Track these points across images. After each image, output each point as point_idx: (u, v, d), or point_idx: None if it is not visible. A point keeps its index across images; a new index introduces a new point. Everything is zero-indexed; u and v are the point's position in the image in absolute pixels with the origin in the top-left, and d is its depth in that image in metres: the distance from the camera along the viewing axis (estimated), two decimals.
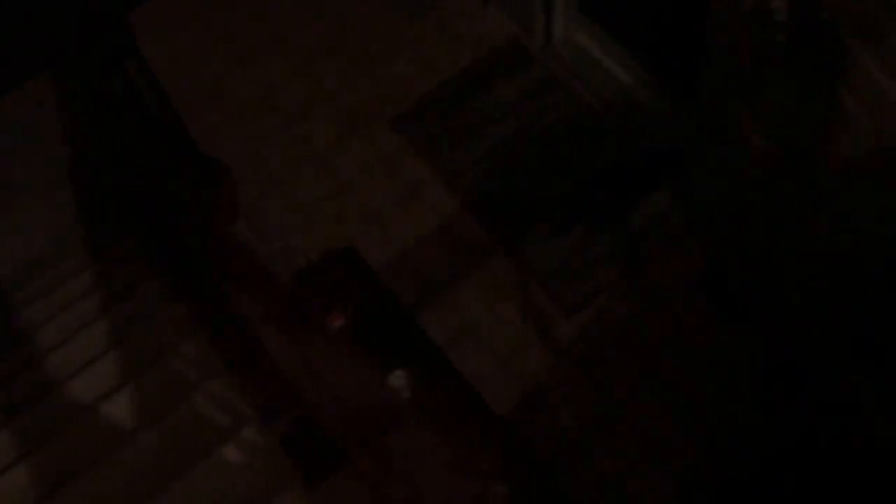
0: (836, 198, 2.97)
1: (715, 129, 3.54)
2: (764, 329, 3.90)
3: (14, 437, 3.27)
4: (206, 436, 2.89)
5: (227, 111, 4.70)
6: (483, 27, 4.83)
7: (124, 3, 4.44)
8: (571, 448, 3.85)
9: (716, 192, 3.82)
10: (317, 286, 4.16)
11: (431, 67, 4.75)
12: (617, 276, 4.18)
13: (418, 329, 4.08)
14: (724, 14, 3.14)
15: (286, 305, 1.82)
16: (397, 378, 3.84)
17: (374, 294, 4.17)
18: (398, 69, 4.77)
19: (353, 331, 3.91)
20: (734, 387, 3.89)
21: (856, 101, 2.65)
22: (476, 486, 1.55)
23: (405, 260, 4.29)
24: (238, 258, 2.01)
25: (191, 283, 3.15)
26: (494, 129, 4.55)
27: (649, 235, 4.25)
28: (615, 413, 3.92)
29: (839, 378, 3.67)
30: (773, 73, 2.99)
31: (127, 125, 3.75)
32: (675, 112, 4.20)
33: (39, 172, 4.32)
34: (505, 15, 4.79)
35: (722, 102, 3.39)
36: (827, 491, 3.62)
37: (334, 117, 4.66)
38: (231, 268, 1.97)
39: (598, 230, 4.26)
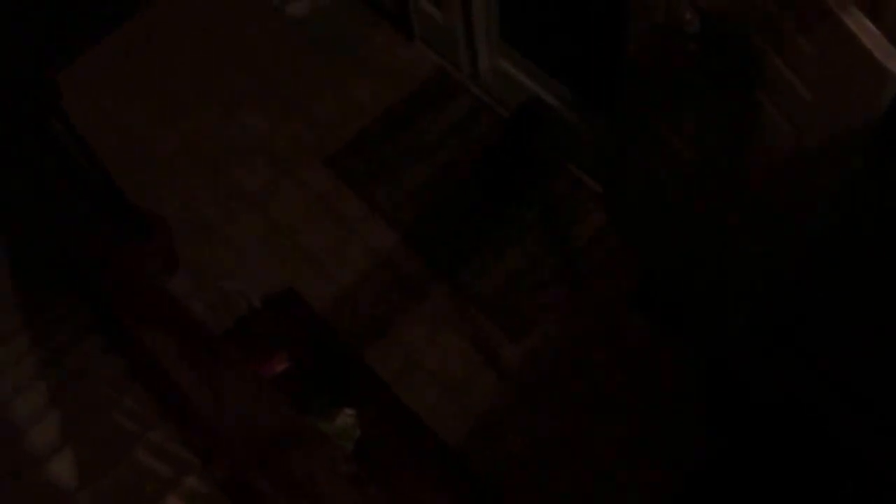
0: (763, 202, 3.00)
1: (640, 143, 3.57)
2: (707, 338, 3.92)
3: None
4: (149, 488, 2.85)
5: (157, 164, 4.67)
6: (409, 60, 4.85)
7: (48, 63, 4.44)
8: (524, 474, 3.84)
9: (647, 206, 3.85)
10: (260, 330, 4.15)
11: (360, 104, 4.76)
12: (559, 298, 4.19)
13: (364, 366, 4.08)
14: (639, 29, 3.17)
15: (197, 339, 1.81)
16: (347, 416, 3.83)
17: (318, 334, 4.16)
18: (327, 108, 4.77)
19: (298, 373, 3.90)
20: (683, 399, 3.91)
21: (773, 103, 2.69)
22: (376, 498, 1.54)
23: (346, 298, 4.27)
24: (149, 296, 2.00)
25: (127, 335, 3.12)
26: (427, 161, 4.56)
27: (588, 254, 4.27)
28: (566, 436, 3.92)
29: (782, 379, 3.71)
30: (690, 83, 3.02)
31: (55, 184, 3.72)
32: (603, 129, 4.24)
33: None
34: (430, 47, 4.81)
35: (645, 116, 3.42)
36: (782, 488, 3.65)
37: (265, 161, 4.65)
38: (145, 307, 1.97)
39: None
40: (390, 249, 4.36)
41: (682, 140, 3.25)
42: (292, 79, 4.88)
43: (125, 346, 3.21)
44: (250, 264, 4.40)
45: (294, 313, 4.21)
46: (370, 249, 4.37)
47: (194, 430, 2.53)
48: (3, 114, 3.46)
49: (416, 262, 4.33)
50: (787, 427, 3.74)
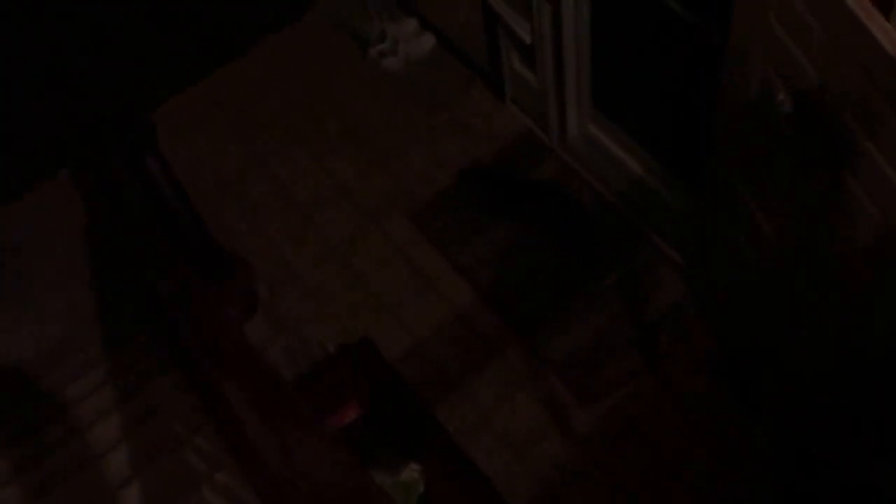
0: (846, 285, 2.96)
1: (725, 218, 3.55)
2: (782, 417, 3.86)
3: None
4: None
5: (244, 207, 4.76)
6: (498, 121, 4.89)
7: (147, 102, 4.56)
8: None
9: (728, 281, 3.82)
10: (333, 378, 4.18)
11: (448, 160, 4.80)
12: (633, 366, 4.16)
13: (433, 421, 4.08)
14: (731, 105, 3.17)
15: (269, 388, 1.83)
16: (412, 471, 3.82)
17: (390, 386, 4.18)
18: (413, 162, 4.83)
19: (367, 423, 3.91)
20: (754, 477, 3.84)
21: (862, 188, 2.66)
22: None
23: (420, 351, 4.29)
24: (225, 338, 2.03)
25: (202, 376, 3.16)
26: (510, 222, 4.57)
27: (666, 326, 4.24)
28: None
29: (859, 464, 3.62)
30: (779, 162, 3.00)
31: (145, 221, 3.80)
32: (688, 201, 4.22)
33: (60, 266, 4.39)
34: (520, 109, 4.85)
35: (731, 192, 3.41)
36: None
37: (349, 210, 4.71)
38: (220, 350, 2.00)
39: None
40: (468, 306, 4.38)
41: (767, 216, 3.22)
42: (383, 131, 4.95)
43: (200, 386, 3.26)
44: (328, 311, 4.45)
45: (368, 363, 4.23)
46: (448, 304, 4.39)
47: (260, 478, 2.55)
48: (102, 152, 3.56)
49: (493, 319, 4.34)
50: None
